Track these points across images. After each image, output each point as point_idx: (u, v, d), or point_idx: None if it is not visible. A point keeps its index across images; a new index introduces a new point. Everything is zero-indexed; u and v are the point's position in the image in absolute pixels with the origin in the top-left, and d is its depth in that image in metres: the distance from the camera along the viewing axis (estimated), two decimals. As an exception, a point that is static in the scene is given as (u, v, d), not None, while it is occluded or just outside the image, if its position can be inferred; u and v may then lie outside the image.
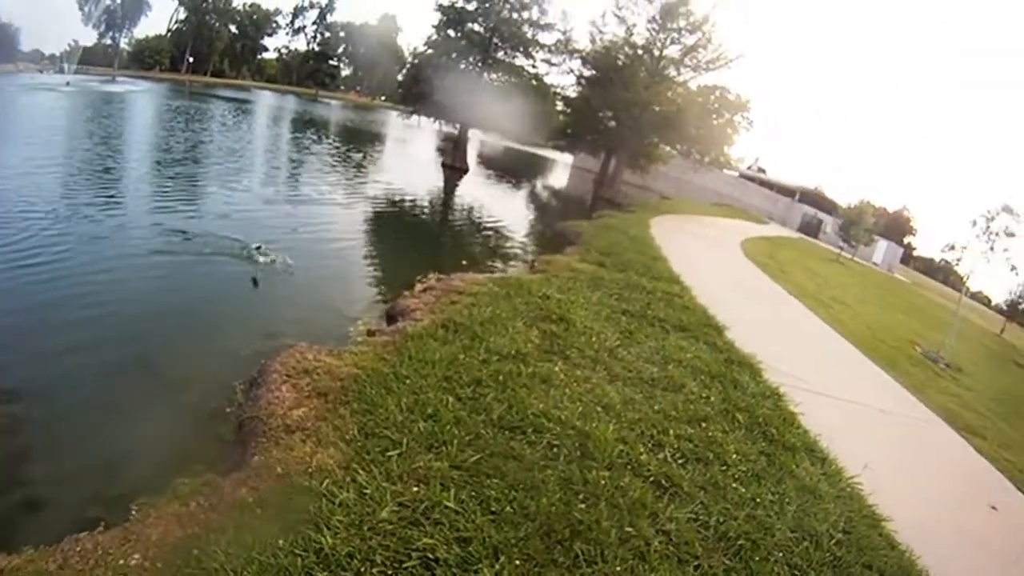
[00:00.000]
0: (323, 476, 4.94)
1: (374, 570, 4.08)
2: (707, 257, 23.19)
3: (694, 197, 49.23)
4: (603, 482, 5.43)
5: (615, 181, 39.15)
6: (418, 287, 11.62)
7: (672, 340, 10.10)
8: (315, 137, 43.12)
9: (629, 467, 5.82)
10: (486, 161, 49.33)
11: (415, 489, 4.90)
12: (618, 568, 4.50)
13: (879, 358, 14.40)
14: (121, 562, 4.16)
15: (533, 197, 36.54)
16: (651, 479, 5.71)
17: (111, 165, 21.50)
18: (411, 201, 25.14)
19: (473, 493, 4.95)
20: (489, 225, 22.85)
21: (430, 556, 4.24)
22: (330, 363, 7.09)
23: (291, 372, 6.83)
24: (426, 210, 24.30)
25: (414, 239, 19.39)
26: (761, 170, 77.36)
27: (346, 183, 26.26)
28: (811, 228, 58.92)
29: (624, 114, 36.76)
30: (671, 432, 6.73)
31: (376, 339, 8.35)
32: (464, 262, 15.10)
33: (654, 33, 37.37)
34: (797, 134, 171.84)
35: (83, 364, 7.68)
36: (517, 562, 4.34)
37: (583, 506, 5.04)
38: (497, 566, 4.26)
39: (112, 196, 16.65)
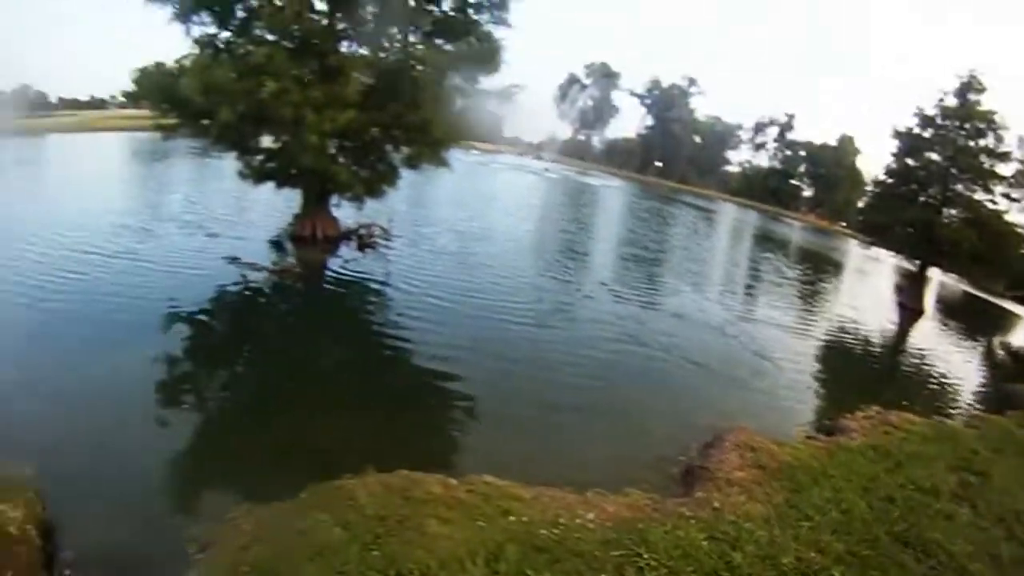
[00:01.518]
0: (747, 519, 6.72)
1: None
2: None
3: None
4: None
5: None
6: (858, 413, 12.50)
7: None
8: (774, 256, 44.35)
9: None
10: (943, 305, 46.38)
11: (813, 554, 6.34)
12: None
13: None
14: (580, 512, 6.61)
15: (985, 352, 33.55)
16: None
17: (591, 247, 25.55)
18: (863, 335, 25.20)
19: (857, 574, 6.19)
20: (935, 373, 22.21)
21: None
22: (772, 448, 8.99)
23: (739, 444, 8.93)
24: (875, 347, 24.23)
25: (859, 372, 19.82)
26: None
27: (799, 307, 27.30)
28: None
29: None
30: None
31: (813, 443, 10.00)
32: (904, 402, 15.48)
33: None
34: None
35: (571, 381, 11.41)
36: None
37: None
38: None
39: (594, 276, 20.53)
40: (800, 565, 6.07)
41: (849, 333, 24.36)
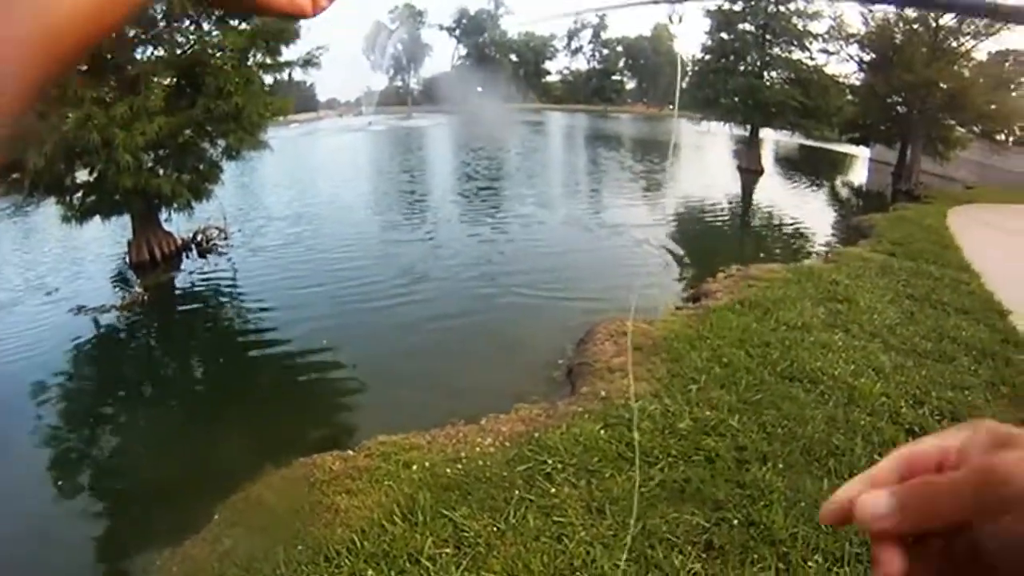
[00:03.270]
0: (637, 399, 6.76)
1: (669, 458, 5.84)
2: (1004, 246, 21.82)
3: (1003, 184, 44.64)
4: (862, 423, 6.51)
5: (912, 172, 36.12)
6: (719, 275, 13.07)
7: (951, 321, 10.39)
8: (610, 152, 45.20)
9: (888, 415, 6.76)
10: (781, 161, 48.27)
11: (707, 412, 6.60)
12: (862, 485, 5.56)
13: None
14: (478, 440, 6.55)
15: (829, 194, 34.57)
16: (906, 427, 6.56)
17: (429, 191, 25.53)
18: (711, 205, 26.09)
19: (753, 418, 6.51)
20: (786, 223, 23.15)
21: (713, 455, 5.88)
22: (644, 328, 9.18)
23: (612, 333, 9.16)
24: (725, 212, 25.12)
25: (714, 238, 20.66)
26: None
27: (644, 195, 28.00)
28: None
29: (911, 97, 33.66)
30: (933, 394, 7.43)
31: (682, 312, 10.43)
32: (761, 255, 16.18)
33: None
34: None
35: (446, 333, 11.17)
36: (780, 466, 5.74)
37: (841, 436, 6.21)
38: (764, 468, 5.69)
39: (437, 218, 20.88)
40: (697, 426, 6.28)
41: (697, 207, 25.35)
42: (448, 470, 6.02)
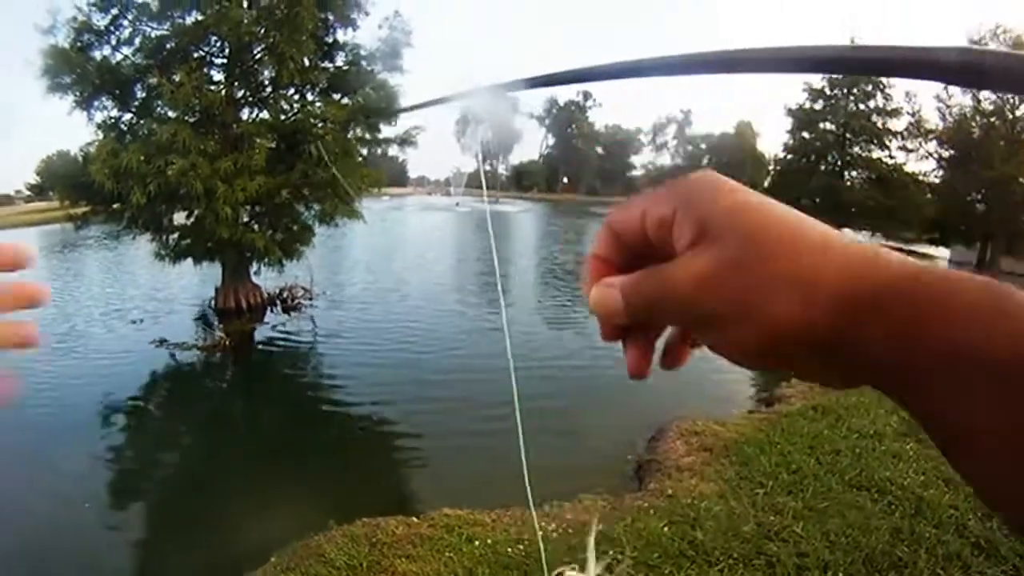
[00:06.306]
0: (702, 499, 6.98)
1: (730, 560, 5.88)
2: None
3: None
4: (928, 535, 6.39)
5: (992, 273, 34.44)
6: (794, 380, 12.95)
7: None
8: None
9: (955, 528, 6.60)
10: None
11: (772, 517, 6.63)
12: (924, 600, 5.49)
13: None
14: (542, 524, 6.58)
15: None
16: (972, 540, 6.35)
17: (511, 279, 26.66)
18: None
19: (817, 526, 6.48)
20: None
21: (774, 560, 5.89)
22: (716, 429, 9.40)
23: (684, 432, 9.31)
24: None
25: None
26: None
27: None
28: None
29: (990, 194, 32.20)
30: (1005, 508, 7.33)
31: (754, 416, 10.59)
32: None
33: (1000, 95, 32.34)
34: None
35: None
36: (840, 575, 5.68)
37: (905, 548, 6.13)
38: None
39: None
40: (761, 530, 6.32)
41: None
42: (510, 550, 6.18)
